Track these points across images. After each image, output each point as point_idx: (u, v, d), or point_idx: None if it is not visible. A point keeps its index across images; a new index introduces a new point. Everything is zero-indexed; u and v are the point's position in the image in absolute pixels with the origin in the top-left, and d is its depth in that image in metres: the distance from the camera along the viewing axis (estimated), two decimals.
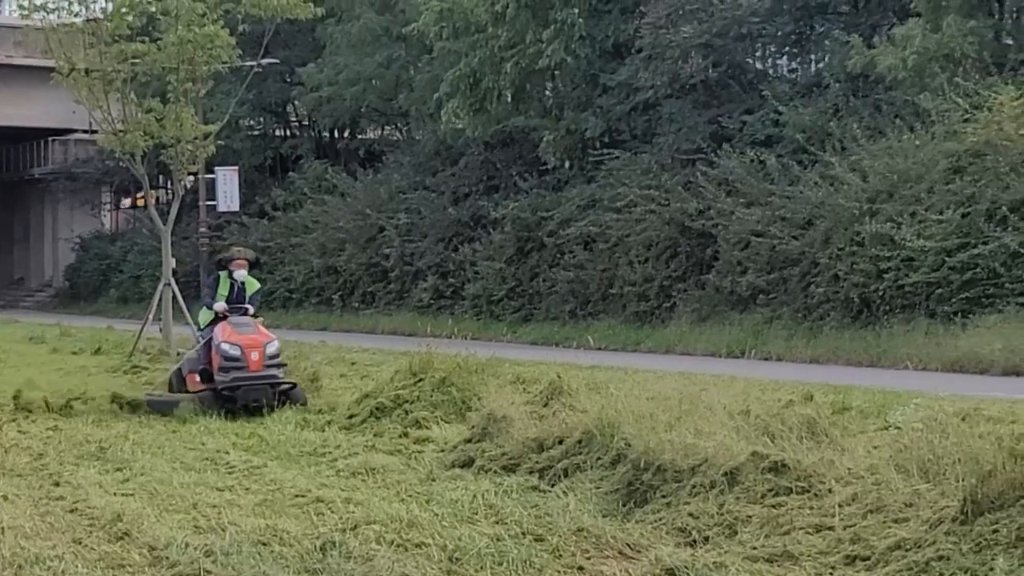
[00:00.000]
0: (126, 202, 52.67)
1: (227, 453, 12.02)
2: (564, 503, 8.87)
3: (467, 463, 10.76)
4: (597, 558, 7.67)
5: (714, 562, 7.34)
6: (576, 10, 29.09)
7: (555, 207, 30.81)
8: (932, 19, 23.75)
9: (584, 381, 13.22)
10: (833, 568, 7.22)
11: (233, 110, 29.63)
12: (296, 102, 43.83)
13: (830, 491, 8.07)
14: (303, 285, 38.67)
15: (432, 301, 33.93)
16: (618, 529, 8.17)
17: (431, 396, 13.55)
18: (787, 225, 24.71)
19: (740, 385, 12.88)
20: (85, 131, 41.43)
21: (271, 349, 15.29)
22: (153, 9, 25.02)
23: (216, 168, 37.48)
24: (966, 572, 6.74)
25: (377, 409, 13.61)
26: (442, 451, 11.56)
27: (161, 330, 24.89)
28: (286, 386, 15.27)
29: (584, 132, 30.38)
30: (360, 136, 44.39)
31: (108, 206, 54.31)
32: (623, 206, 28.44)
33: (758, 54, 31.64)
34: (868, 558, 7.21)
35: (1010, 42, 24.94)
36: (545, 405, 11.52)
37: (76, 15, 25.38)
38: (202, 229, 38.92)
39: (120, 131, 24.94)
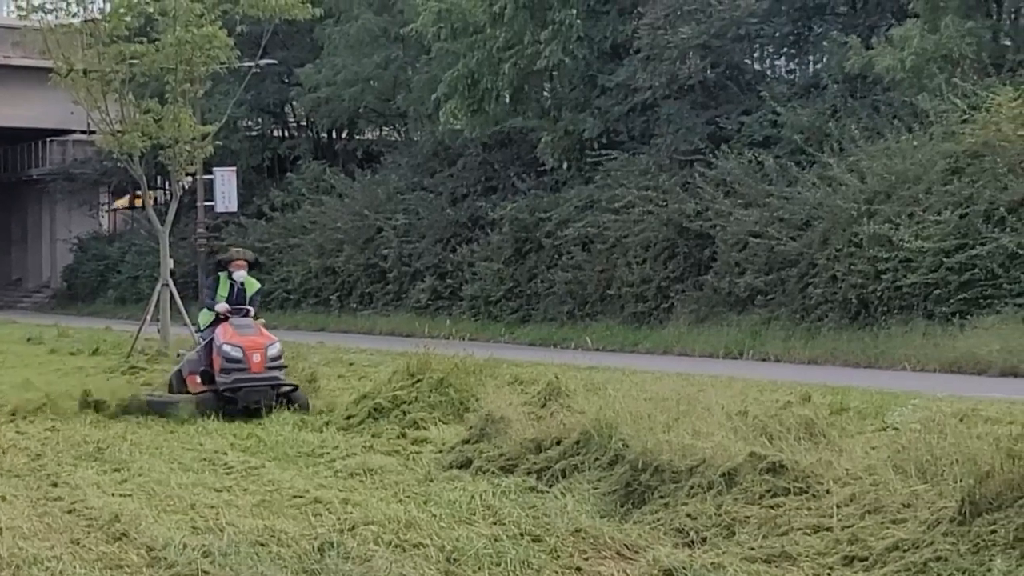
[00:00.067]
0: (121, 202, 52.63)
1: (225, 454, 12.02)
2: (562, 504, 8.87)
3: (465, 464, 10.76)
4: (595, 559, 7.67)
5: (712, 563, 7.34)
6: (574, 11, 29.10)
7: (553, 208, 30.80)
8: (930, 20, 23.76)
9: (582, 382, 13.19)
10: (831, 569, 7.22)
11: (231, 111, 29.59)
12: (294, 103, 43.82)
13: (828, 492, 8.07)
14: (301, 286, 38.66)
15: (430, 302, 33.93)
16: (616, 530, 8.17)
17: (429, 397, 13.53)
18: (785, 226, 24.71)
19: (738, 386, 12.90)
20: (83, 132, 41.48)
21: (273, 351, 15.24)
22: (151, 10, 24.99)
23: (214, 169, 37.53)
24: (964, 573, 6.74)
25: (375, 410, 13.59)
26: (440, 452, 11.55)
27: (159, 331, 24.87)
28: (287, 388, 15.26)
29: (582, 133, 30.38)
30: (358, 137, 44.35)
31: (106, 207, 54.32)
32: (621, 207, 28.43)
33: (756, 55, 31.66)
34: (866, 559, 7.21)
35: (1008, 43, 24.96)
36: (543, 406, 11.51)
37: (74, 16, 25.33)
38: (200, 230, 38.95)
39: (118, 132, 24.93)
